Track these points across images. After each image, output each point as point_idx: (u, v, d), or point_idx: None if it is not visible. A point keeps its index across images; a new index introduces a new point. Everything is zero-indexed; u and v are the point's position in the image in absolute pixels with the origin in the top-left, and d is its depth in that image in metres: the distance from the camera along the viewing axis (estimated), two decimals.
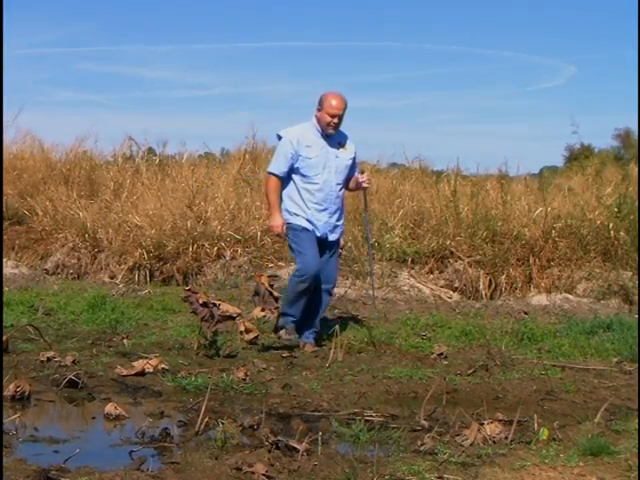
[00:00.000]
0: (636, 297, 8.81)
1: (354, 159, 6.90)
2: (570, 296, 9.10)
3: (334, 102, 6.61)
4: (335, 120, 6.62)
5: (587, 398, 5.51)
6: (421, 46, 67.04)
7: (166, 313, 8.26)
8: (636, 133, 27.54)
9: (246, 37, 65.86)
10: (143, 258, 10.54)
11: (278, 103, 54.18)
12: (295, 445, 4.20)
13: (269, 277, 7.11)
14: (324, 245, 6.73)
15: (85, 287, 9.75)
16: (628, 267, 9.26)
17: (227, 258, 10.39)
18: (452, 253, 9.75)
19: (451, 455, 4.22)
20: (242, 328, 6.77)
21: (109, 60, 60.00)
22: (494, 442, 4.44)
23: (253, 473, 3.89)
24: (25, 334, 6.78)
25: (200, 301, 6.41)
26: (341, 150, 6.76)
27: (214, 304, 6.41)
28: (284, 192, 6.74)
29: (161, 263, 10.58)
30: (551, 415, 5.09)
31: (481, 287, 9.44)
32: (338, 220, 6.81)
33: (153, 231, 10.68)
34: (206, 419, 4.61)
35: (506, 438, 4.48)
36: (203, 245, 10.54)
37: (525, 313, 8.57)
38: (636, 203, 9.79)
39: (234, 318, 6.53)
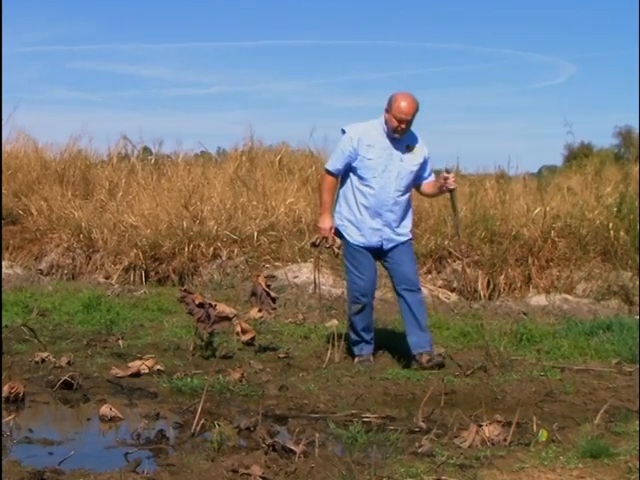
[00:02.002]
0: (636, 298, 8.81)
1: (424, 163, 6.32)
2: (569, 296, 9.08)
3: (403, 105, 6.07)
4: (402, 125, 6.10)
5: (586, 399, 5.49)
6: (420, 44, 67.22)
7: (162, 314, 8.24)
8: (636, 131, 27.61)
9: (243, 35, 66.04)
10: (138, 258, 10.51)
11: (275, 102, 54.31)
12: (292, 447, 4.19)
13: (266, 277, 7.09)
14: (385, 251, 6.30)
15: (80, 287, 9.71)
16: (628, 267, 9.25)
17: (223, 258, 10.36)
18: (450, 253, 9.72)
19: (449, 457, 4.19)
20: (238, 329, 6.77)
21: (104, 58, 60.00)
22: (492, 444, 4.42)
23: (249, 475, 3.87)
24: (19, 335, 6.76)
25: (196, 302, 6.38)
26: (408, 153, 6.23)
27: (210, 305, 6.38)
28: (341, 190, 6.37)
29: (157, 263, 10.56)
30: (550, 417, 5.08)
31: (479, 287, 9.41)
32: (396, 229, 6.27)
33: (149, 231, 10.65)
34: (202, 421, 4.59)
35: (505, 440, 4.46)
36: (199, 245, 10.52)
37: (524, 314, 8.56)
38: (636, 202, 9.79)
39: (230, 319, 6.50)
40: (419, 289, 6.39)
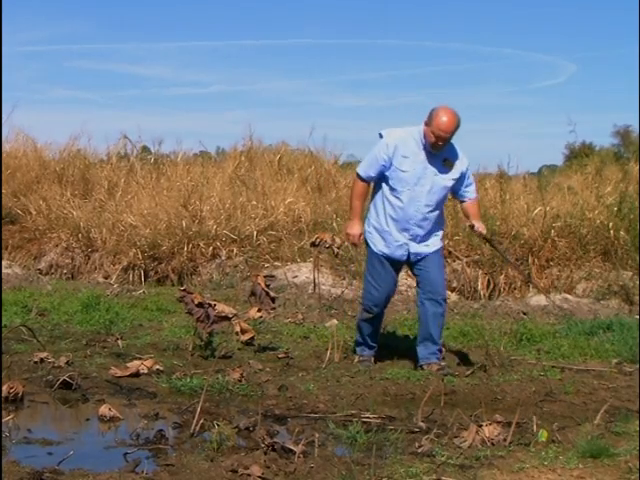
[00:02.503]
0: (636, 297, 8.81)
1: (461, 178, 6.07)
2: (569, 296, 9.07)
3: (443, 121, 5.80)
4: (440, 143, 5.85)
5: (587, 399, 5.49)
6: (420, 44, 67.22)
7: (161, 314, 8.23)
8: (636, 131, 27.61)
9: (242, 35, 66.02)
10: (137, 258, 10.50)
11: (275, 101, 54.34)
12: (291, 447, 4.19)
13: (265, 277, 7.07)
14: (413, 261, 6.15)
15: (79, 287, 9.70)
16: (628, 267, 9.25)
17: (223, 258, 10.35)
18: (450, 253, 9.71)
19: (449, 457, 4.19)
20: (238, 329, 6.76)
21: (104, 58, 60.15)
22: (492, 444, 4.42)
23: (249, 475, 3.87)
24: (18, 335, 6.74)
25: (195, 301, 6.37)
26: (444, 168, 5.98)
27: (209, 304, 6.37)
28: (373, 196, 6.18)
29: (156, 263, 10.55)
30: (550, 417, 5.08)
31: (479, 287, 9.40)
32: (422, 242, 6.09)
33: (148, 230, 10.64)
34: (201, 421, 4.59)
35: (505, 440, 4.45)
36: (198, 245, 10.51)
37: (524, 313, 8.55)
38: (636, 202, 9.79)
39: (230, 319, 6.49)
40: (444, 300, 6.20)
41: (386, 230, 6.06)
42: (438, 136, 5.82)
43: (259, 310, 7.11)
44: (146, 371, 5.84)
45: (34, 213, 11.85)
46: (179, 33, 66.84)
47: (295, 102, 58.51)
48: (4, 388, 5.10)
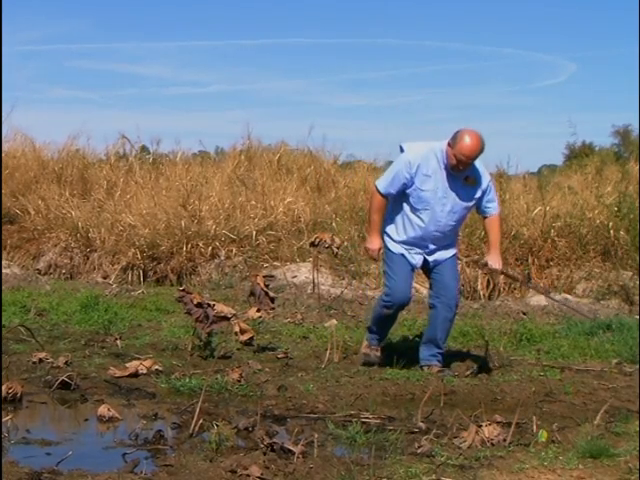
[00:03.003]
0: (636, 297, 8.80)
1: (483, 195, 5.98)
2: (569, 296, 9.07)
3: (467, 144, 5.67)
4: (461, 167, 5.76)
5: (586, 400, 5.48)
6: (420, 43, 67.25)
7: (160, 314, 8.21)
8: (635, 130, 27.62)
9: (242, 34, 65.97)
10: (136, 258, 10.50)
11: (274, 101, 54.36)
12: (290, 447, 4.18)
13: (265, 277, 7.06)
14: (429, 267, 6.11)
15: (78, 287, 9.69)
16: (628, 267, 9.25)
17: (222, 258, 10.35)
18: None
19: (449, 458, 4.17)
20: (237, 329, 6.75)
21: (103, 57, 60.19)
22: (492, 444, 4.41)
23: (248, 476, 3.86)
24: (17, 335, 6.73)
25: (194, 301, 6.35)
26: (465, 187, 5.90)
27: (208, 304, 6.36)
28: (391, 209, 6.04)
29: (155, 263, 10.54)
30: (550, 417, 5.07)
31: (479, 287, 9.39)
32: (438, 251, 6.05)
33: (147, 230, 10.63)
34: (200, 421, 4.58)
35: (504, 440, 4.44)
36: (197, 245, 10.50)
37: (524, 314, 8.54)
38: (636, 202, 9.78)
39: (229, 319, 6.47)
40: (456, 306, 6.13)
41: (404, 240, 6.01)
42: (460, 160, 5.72)
43: (258, 310, 7.10)
44: (145, 371, 5.83)
45: (33, 213, 11.85)
46: (178, 33, 66.88)
47: (294, 102, 58.61)
48: (3, 388, 5.08)
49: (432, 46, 67.37)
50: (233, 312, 6.57)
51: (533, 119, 56.61)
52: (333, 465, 4.05)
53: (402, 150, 6.03)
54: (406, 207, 5.94)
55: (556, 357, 6.64)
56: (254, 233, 10.59)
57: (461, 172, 5.83)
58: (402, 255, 6.02)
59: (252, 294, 6.92)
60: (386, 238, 6.07)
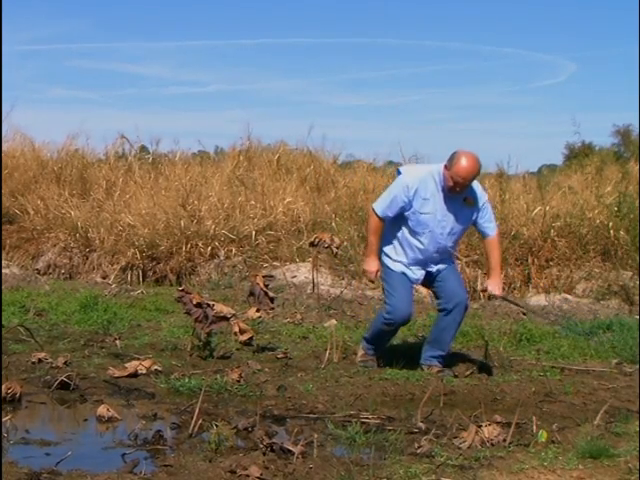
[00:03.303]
0: (636, 297, 8.79)
1: (480, 213, 6.00)
2: (569, 296, 9.05)
3: (463, 166, 5.70)
4: (458, 188, 5.78)
5: (586, 400, 5.48)
6: (420, 43, 67.21)
7: (159, 314, 8.20)
8: (636, 130, 27.60)
9: (241, 34, 65.96)
10: (136, 258, 10.49)
11: (274, 101, 54.37)
12: (290, 448, 4.18)
13: (264, 277, 7.06)
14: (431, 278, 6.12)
15: (77, 287, 9.68)
16: (628, 267, 9.23)
17: (221, 258, 10.34)
18: None
19: (448, 458, 4.17)
20: (236, 329, 6.74)
21: (102, 57, 60.18)
22: (492, 445, 4.41)
23: (247, 476, 3.85)
24: (16, 335, 6.72)
25: (194, 301, 6.34)
26: (464, 208, 5.93)
27: (208, 304, 6.35)
28: (388, 230, 6.03)
29: (154, 263, 10.53)
30: (550, 417, 5.07)
31: (479, 287, 9.38)
32: (441, 263, 6.07)
33: (146, 230, 10.62)
34: (200, 421, 4.57)
35: (504, 440, 4.44)
36: (197, 244, 10.49)
37: (524, 314, 8.53)
38: (636, 202, 9.77)
39: (228, 319, 6.46)
40: (466, 307, 6.15)
41: (403, 261, 6.02)
42: (456, 182, 5.75)
43: (258, 310, 7.10)
44: (144, 371, 5.82)
45: (32, 213, 11.84)
46: (177, 32, 66.87)
47: (294, 101, 58.59)
48: (2, 388, 5.07)
49: (432, 46, 67.44)
50: (232, 312, 6.56)
51: (533, 119, 56.67)
52: (333, 465, 4.05)
53: (399, 173, 6.05)
54: (405, 230, 5.97)
55: (556, 357, 6.63)
56: (253, 233, 10.58)
57: (458, 194, 5.85)
58: (402, 273, 6.02)
59: (251, 294, 6.91)
60: (384, 257, 6.07)
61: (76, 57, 62.53)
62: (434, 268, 6.06)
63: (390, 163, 14.15)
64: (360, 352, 6.32)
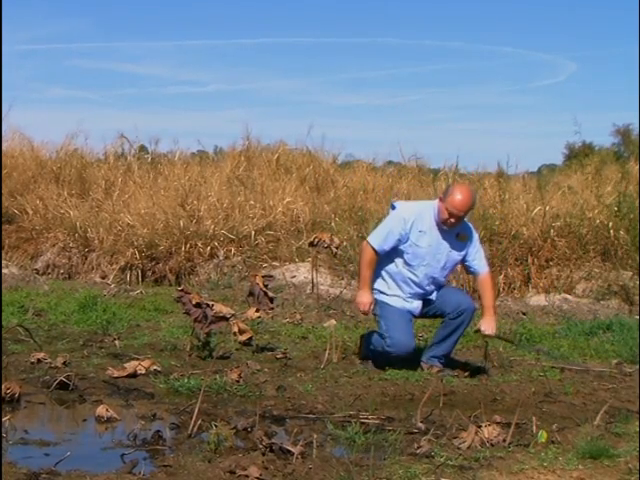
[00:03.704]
0: (636, 297, 8.79)
1: (469, 252, 6.05)
2: (569, 296, 9.05)
3: (458, 199, 5.76)
4: (452, 220, 5.82)
5: (586, 400, 5.48)
6: (420, 42, 67.16)
7: (158, 314, 8.20)
8: (636, 130, 27.60)
9: (241, 33, 65.96)
10: (135, 258, 10.48)
11: (273, 100, 54.38)
12: (289, 448, 4.16)
13: (264, 277, 7.05)
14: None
15: (76, 287, 9.67)
16: (628, 267, 9.23)
17: (220, 258, 10.33)
18: None
19: (448, 458, 4.16)
20: (236, 329, 6.72)
21: (101, 56, 60.21)
22: (492, 445, 4.40)
23: (247, 476, 3.84)
24: (15, 335, 6.71)
25: (193, 301, 6.34)
26: (458, 242, 5.98)
27: (207, 304, 6.34)
28: (379, 265, 6.03)
29: (153, 263, 10.52)
30: (550, 417, 5.06)
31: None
32: (434, 293, 6.11)
33: (145, 230, 10.61)
34: (199, 421, 4.56)
35: (504, 441, 4.43)
36: (196, 244, 10.48)
37: (523, 314, 8.54)
38: (636, 202, 9.76)
39: (228, 319, 6.46)
40: (475, 309, 6.14)
41: (398, 296, 6.04)
42: (451, 213, 5.79)
43: (257, 310, 7.08)
44: (143, 372, 5.81)
45: (31, 213, 11.83)
46: (177, 32, 66.82)
47: (294, 101, 58.59)
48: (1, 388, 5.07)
49: (432, 45, 67.38)
50: (232, 312, 6.55)
51: (533, 118, 56.67)
52: (332, 466, 4.04)
53: (393, 207, 6.08)
54: (399, 262, 6.00)
55: (556, 357, 6.62)
56: (253, 233, 10.58)
57: (453, 226, 5.89)
58: (400, 306, 6.01)
59: (251, 294, 6.90)
60: (379, 295, 6.06)
61: (75, 57, 62.55)
62: (430, 296, 6.10)
63: (390, 163, 14.17)
64: (359, 361, 6.30)
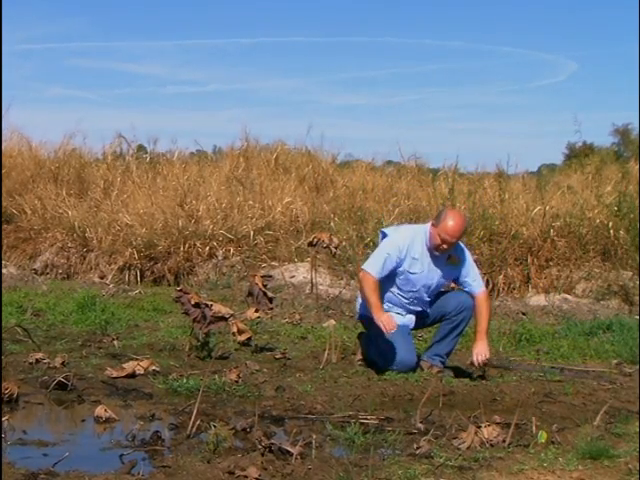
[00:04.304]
0: (636, 297, 8.79)
1: (463, 274, 6.05)
2: (569, 296, 9.05)
3: (450, 225, 5.75)
4: (444, 246, 5.83)
5: (586, 400, 5.47)
6: (420, 41, 67.12)
7: (157, 314, 8.20)
8: (636, 129, 27.62)
9: (240, 33, 65.96)
10: (133, 258, 10.47)
11: (272, 100, 54.39)
12: (289, 448, 4.15)
13: (263, 277, 7.04)
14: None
15: (74, 287, 9.67)
16: (628, 267, 9.22)
17: (219, 258, 10.32)
18: None
19: (448, 459, 4.15)
20: (235, 329, 6.72)
21: (100, 56, 60.19)
22: (491, 445, 4.39)
23: (246, 477, 3.83)
24: (13, 335, 6.71)
25: (192, 302, 6.33)
26: (448, 266, 6.00)
27: (206, 305, 6.33)
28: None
29: (152, 263, 10.51)
30: (550, 418, 5.05)
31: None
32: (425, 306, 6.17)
33: (144, 230, 10.60)
34: (198, 422, 4.55)
35: (504, 441, 4.42)
36: (195, 244, 10.47)
37: (523, 314, 8.54)
38: (636, 202, 9.76)
39: (227, 319, 6.45)
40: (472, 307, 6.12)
41: (394, 311, 6.04)
42: (444, 239, 5.79)
43: (256, 310, 7.07)
44: (142, 372, 5.80)
45: (29, 212, 11.81)
46: (176, 31, 66.86)
47: (293, 101, 58.58)
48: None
49: (432, 45, 67.36)
50: (231, 312, 6.54)
51: (533, 118, 56.69)
52: (331, 466, 4.03)
53: (384, 235, 6.06)
54: (393, 285, 6.02)
55: (556, 358, 6.64)
56: (252, 233, 10.56)
57: (443, 252, 5.88)
58: (397, 324, 5.89)
59: (250, 294, 6.89)
60: (368, 311, 6.01)
61: (73, 56, 62.62)
62: (422, 311, 6.13)
63: (389, 163, 14.16)
64: (359, 353, 6.30)
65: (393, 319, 5.78)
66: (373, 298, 5.85)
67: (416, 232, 6.01)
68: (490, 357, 6.02)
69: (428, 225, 5.94)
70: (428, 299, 6.09)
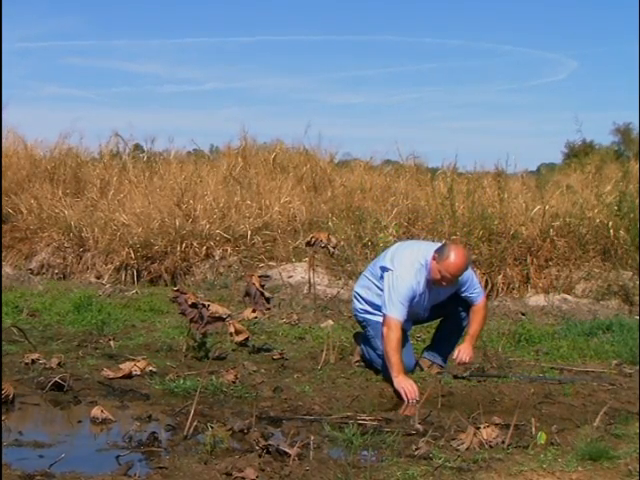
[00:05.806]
0: (636, 298, 8.78)
1: (463, 285, 5.94)
2: (569, 296, 9.04)
3: (453, 263, 5.62)
4: (444, 283, 5.75)
5: (586, 401, 5.46)
6: (419, 40, 67.11)
7: (154, 314, 8.19)
8: (636, 128, 27.65)
9: (238, 31, 65.99)
10: (130, 257, 10.45)
11: (270, 99, 54.41)
12: (286, 450, 4.16)
13: (260, 277, 7.01)
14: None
15: (71, 287, 9.66)
16: (628, 267, 9.21)
17: (216, 258, 10.30)
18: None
19: (446, 460, 4.14)
20: (232, 329, 6.71)
21: (96, 54, 60.15)
22: (490, 446, 4.39)
23: (243, 478, 3.83)
24: (9, 335, 6.70)
25: (189, 302, 6.32)
26: (444, 290, 5.92)
27: (203, 305, 6.32)
28: (375, 307, 5.93)
29: (149, 263, 10.50)
30: (549, 419, 5.04)
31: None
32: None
33: (140, 230, 10.59)
34: (195, 423, 4.55)
35: (503, 442, 4.41)
36: (192, 244, 10.45)
37: (522, 314, 8.53)
38: (636, 201, 9.75)
39: (224, 319, 6.43)
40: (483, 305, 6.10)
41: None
42: (444, 276, 5.69)
43: (254, 311, 7.05)
44: (139, 372, 5.79)
45: (25, 212, 11.80)
46: (173, 30, 66.63)
47: (291, 99, 58.47)
48: None
49: (431, 43, 67.33)
50: (228, 312, 6.54)
51: (533, 117, 56.68)
52: (329, 467, 4.03)
53: (385, 269, 5.85)
54: None
55: (555, 358, 6.63)
56: (249, 233, 10.54)
57: (442, 287, 5.82)
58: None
59: (247, 294, 6.87)
60: (365, 314, 6.02)
61: (70, 55, 62.65)
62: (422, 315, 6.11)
63: (387, 162, 14.13)
64: (357, 354, 6.27)
65: (415, 387, 5.48)
66: (395, 357, 5.57)
67: (419, 266, 5.80)
68: (471, 362, 6.00)
69: (429, 257, 5.77)
70: (425, 314, 6.10)
